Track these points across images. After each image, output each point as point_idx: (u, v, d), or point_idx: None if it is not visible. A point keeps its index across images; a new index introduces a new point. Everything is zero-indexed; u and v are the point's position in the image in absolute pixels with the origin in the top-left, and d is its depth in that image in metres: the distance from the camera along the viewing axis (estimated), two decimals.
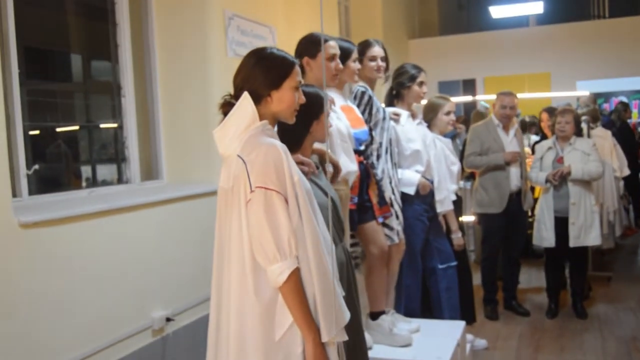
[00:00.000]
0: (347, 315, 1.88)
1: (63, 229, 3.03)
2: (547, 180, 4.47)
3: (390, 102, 3.64)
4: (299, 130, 2.12)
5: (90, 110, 4.16)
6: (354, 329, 2.23)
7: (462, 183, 5.45)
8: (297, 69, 1.91)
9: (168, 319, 3.70)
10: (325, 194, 2.19)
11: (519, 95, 7.80)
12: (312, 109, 2.07)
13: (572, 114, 4.52)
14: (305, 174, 2.08)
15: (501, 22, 9.75)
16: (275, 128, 2.19)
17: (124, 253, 3.39)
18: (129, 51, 3.95)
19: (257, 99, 1.86)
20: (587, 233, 4.39)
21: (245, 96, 1.85)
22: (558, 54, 8.79)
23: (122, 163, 4.01)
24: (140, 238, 3.59)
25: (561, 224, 4.44)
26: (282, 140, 2.19)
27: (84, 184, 3.93)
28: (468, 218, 5.62)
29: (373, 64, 3.24)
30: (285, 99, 1.87)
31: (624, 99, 11.98)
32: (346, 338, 1.89)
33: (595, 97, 6.97)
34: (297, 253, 1.74)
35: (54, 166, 3.95)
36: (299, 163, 2.10)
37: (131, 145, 3.97)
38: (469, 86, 9.17)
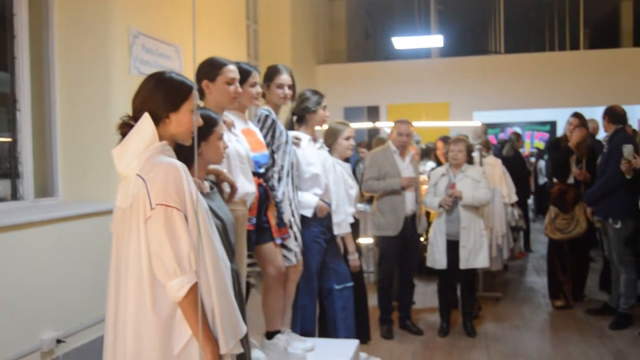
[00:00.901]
0: (243, 328, 1.96)
1: None
2: (440, 205, 4.72)
3: (291, 126, 3.73)
4: (187, 151, 2.16)
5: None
6: (243, 348, 2.28)
7: (361, 206, 5.64)
8: (195, 92, 1.97)
9: (59, 341, 3.58)
10: (217, 215, 2.23)
11: (419, 124, 8.19)
12: (200, 130, 2.12)
13: (464, 143, 4.80)
14: None
15: (406, 52, 10.19)
16: None
17: (13, 272, 3.28)
18: (26, 64, 3.85)
19: (156, 121, 1.90)
20: (476, 256, 4.65)
21: (146, 116, 1.89)
22: (457, 85, 9.28)
23: (15, 179, 3.87)
24: (31, 257, 3.48)
25: (452, 247, 4.68)
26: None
27: None
28: (366, 240, 5.81)
29: (280, 91, 3.31)
30: (183, 122, 1.93)
31: (519, 130, 12.80)
32: (242, 350, 1.96)
33: (487, 127, 7.41)
34: (196, 268, 1.79)
35: None
36: None
37: (25, 161, 3.85)
38: (372, 112, 9.47)
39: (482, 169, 4.87)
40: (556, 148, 5.51)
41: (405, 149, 4.87)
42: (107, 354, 1.93)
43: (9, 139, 3.87)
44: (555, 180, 5.52)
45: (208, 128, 2.22)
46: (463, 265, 4.63)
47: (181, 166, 1.85)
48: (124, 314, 1.85)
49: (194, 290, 1.78)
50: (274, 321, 3.16)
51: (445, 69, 9.47)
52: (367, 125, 8.82)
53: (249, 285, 3.46)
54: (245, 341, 2.32)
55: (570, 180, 5.38)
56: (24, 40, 3.83)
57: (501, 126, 14.64)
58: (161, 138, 1.90)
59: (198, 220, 1.82)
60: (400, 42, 8.32)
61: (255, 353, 3.01)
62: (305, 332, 3.59)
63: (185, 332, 1.82)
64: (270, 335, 3.14)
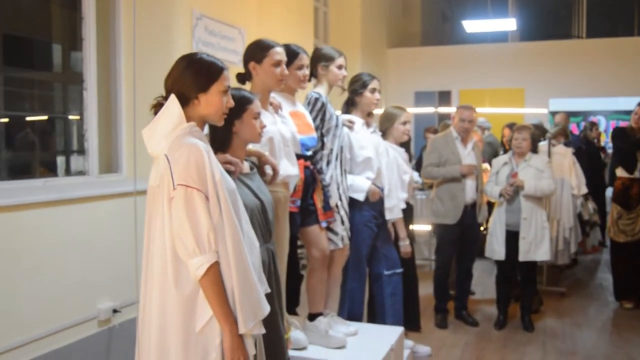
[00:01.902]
0: (266, 309, 1.96)
1: (8, 216, 3.08)
2: (500, 194, 4.57)
3: (346, 109, 3.71)
4: (223, 131, 2.19)
5: (66, 101, 4.18)
6: (273, 327, 2.30)
7: (419, 193, 5.55)
8: (226, 73, 1.98)
9: (115, 311, 3.74)
10: (255, 195, 2.25)
11: (492, 110, 7.96)
12: (232, 110, 2.14)
13: (529, 131, 4.62)
14: (231, 173, 2.16)
15: (483, 36, 9.89)
16: (207, 129, 2.28)
17: (74, 243, 3.45)
18: (93, 44, 3.99)
19: (185, 102, 1.93)
20: (536, 248, 4.48)
21: (172, 98, 1.93)
22: (533, 71, 8.92)
23: (82, 155, 4.05)
24: (93, 229, 3.64)
25: (512, 238, 4.53)
26: (212, 141, 2.27)
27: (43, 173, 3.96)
28: (422, 227, 5.72)
29: (338, 72, 3.29)
30: (212, 103, 1.95)
31: (602, 119, 12.18)
32: (263, 331, 1.98)
33: (568, 116, 7.10)
34: (216, 248, 1.82)
35: (24, 155, 4.01)
36: (226, 162, 2.17)
37: (91, 138, 4.00)
38: (444, 98, 9.28)
39: (547, 159, 4.67)
40: (622, 137, 5.18)
41: (467, 135, 4.74)
42: (138, 327, 2.00)
43: (77, 117, 4.05)
44: (618, 174, 5.19)
45: (241, 106, 2.23)
46: (522, 257, 4.48)
47: (204, 147, 1.87)
48: (151, 290, 1.91)
49: (213, 269, 1.81)
50: (317, 303, 3.16)
51: (521, 54, 9.12)
52: (429, 110, 8.62)
53: (297, 266, 3.50)
54: (277, 320, 2.35)
55: (636, 174, 5.06)
56: (91, 21, 3.97)
57: (583, 115, 13.98)
58: (190, 119, 1.93)
59: (220, 200, 1.84)
60: (472, 26, 8.07)
61: (297, 333, 3.04)
62: (353, 317, 3.58)
63: (207, 310, 1.85)
64: (312, 317, 3.15)
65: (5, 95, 3.73)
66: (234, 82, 2.61)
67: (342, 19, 8.01)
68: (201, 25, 4.52)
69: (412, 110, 8.42)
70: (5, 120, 3.73)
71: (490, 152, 6.68)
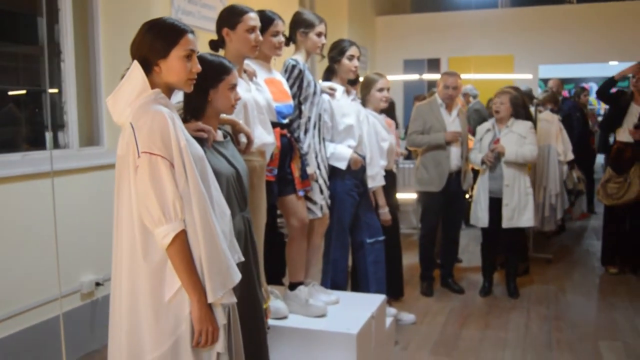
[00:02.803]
0: (236, 277, 1.93)
1: None
2: (482, 162, 4.55)
3: (327, 77, 3.65)
4: (197, 99, 2.15)
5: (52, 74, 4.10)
6: (250, 296, 2.29)
7: (402, 160, 5.52)
8: (189, 37, 1.90)
9: (98, 284, 3.74)
10: (230, 163, 2.22)
11: (482, 76, 7.90)
12: (208, 78, 2.09)
13: (507, 95, 4.57)
14: (204, 140, 2.12)
15: (475, 2, 9.76)
16: (180, 96, 2.23)
17: (56, 216, 3.41)
18: (69, 15, 3.90)
19: (148, 68, 1.88)
20: (520, 215, 4.48)
21: (135, 65, 1.87)
22: (522, 37, 8.84)
23: (61, 128, 3.99)
24: (75, 203, 3.61)
25: (495, 205, 4.53)
26: (186, 108, 2.23)
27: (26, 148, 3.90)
28: (408, 195, 5.71)
29: (317, 39, 3.22)
30: (173, 69, 1.88)
31: (594, 85, 12.11)
32: (234, 300, 1.95)
33: (561, 82, 7.05)
34: (183, 216, 1.79)
35: (3, 129, 3.95)
36: (199, 130, 2.13)
37: (70, 111, 3.95)
38: (433, 65, 9.20)
39: (530, 124, 4.61)
40: (617, 99, 5.17)
41: (452, 102, 4.70)
42: (110, 298, 1.98)
43: (55, 90, 3.98)
44: (617, 137, 5.18)
45: (218, 75, 2.18)
46: (506, 224, 4.48)
47: (168, 113, 1.82)
48: (121, 261, 1.89)
49: (180, 238, 1.78)
50: (297, 273, 3.16)
51: (510, 20, 9.03)
52: (414, 77, 8.54)
53: (282, 236, 3.49)
54: (254, 289, 2.34)
55: (624, 138, 5.05)
56: None
57: (575, 81, 13.92)
58: (155, 86, 1.88)
59: (185, 168, 1.81)
60: None
61: (276, 303, 3.04)
62: (337, 286, 3.58)
63: (176, 280, 1.82)
64: (292, 286, 3.15)
65: None
66: (206, 49, 2.57)
67: None
68: None
69: (400, 77, 8.40)
70: None
71: (478, 119, 6.61)
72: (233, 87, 2.24)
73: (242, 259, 2.07)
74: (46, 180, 3.41)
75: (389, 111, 5.99)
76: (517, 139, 4.48)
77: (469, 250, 6.02)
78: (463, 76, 7.77)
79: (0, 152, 3.45)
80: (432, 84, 9.05)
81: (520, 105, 4.63)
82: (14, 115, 4.11)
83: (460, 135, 4.65)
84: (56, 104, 3.95)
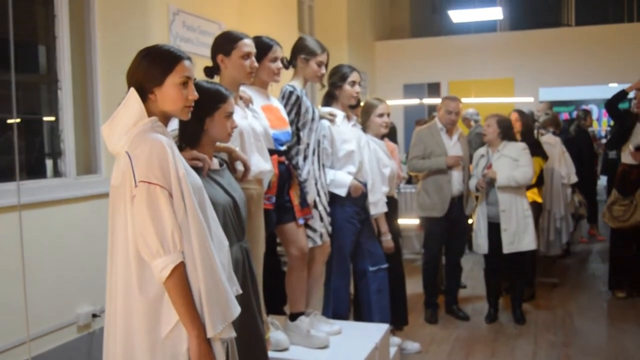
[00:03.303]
0: (236, 310, 1.86)
1: None
2: (476, 188, 4.50)
3: (327, 102, 3.61)
4: (193, 127, 2.11)
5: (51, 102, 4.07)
6: (251, 328, 2.22)
7: (402, 185, 5.46)
8: (185, 64, 1.86)
9: (95, 315, 3.65)
10: (226, 192, 2.17)
11: (482, 100, 7.88)
12: (204, 106, 2.05)
13: (494, 118, 4.53)
14: (199, 169, 2.07)
15: (472, 26, 9.79)
16: (176, 124, 2.18)
17: (51, 247, 3.35)
18: (67, 43, 3.88)
19: (143, 96, 1.83)
20: (520, 239, 4.39)
21: (131, 92, 1.83)
22: (522, 60, 8.84)
23: (58, 157, 3.95)
24: (72, 232, 3.55)
25: (495, 230, 4.45)
26: (181, 136, 2.18)
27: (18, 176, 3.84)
28: (410, 221, 5.64)
29: (317, 69, 3.15)
30: (168, 96, 1.83)
31: (594, 107, 12.09)
32: (234, 334, 1.87)
33: (550, 104, 7.02)
34: (182, 248, 1.73)
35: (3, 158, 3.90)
36: (194, 159, 2.08)
37: (67, 139, 3.90)
38: (433, 90, 9.19)
39: (522, 146, 4.53)
40: (623, 118, 5.12)
41: (453, 126, 4.66)
42: (105, 334, 1.91)
43: (51, 118, 3.94)
44: (622, 159, 5.12)
45: (214, 104, 2.15)
46: (507, 249, 4.39)
47: (167, 142, 1.77)
48: (115, 294, 1.82)
49: (178, 270, 1.71)
50: (297, 302, 3.08)
51: (510, 43, 9.03)
52: (414, 102, 8.54)
53: (282, 265, 3.42)
54: (255, 321, 2.26)
55: (629, 160, 4.99)
56: (64, 19, 3.86)
57: (576, 104, 13.91)
58: (151, 113, 1.83)
59: (184, 198, 1.75)
60: (458, 15, 7.97)
61: (277, 334, 2.96)
62: (338, 315, 3.50)
63: (173, 314, 1.75)
64: (293, 317, 3.07)
65: None
66: (202, 76, 2.53)
67: (328, 12, 7.90)
68: (178, 21, 4.42)
69: (400, 102, 8.38)
70: None
71: (480, 143, 6.57)
72: (229, 115, 2.19)
73: (240, 291, 2.00)
74: (43, 209, 3.37)
75: (390, 135, 5.97)
76: (509, 162, 4.41)
77: (473, 275, 5.93)
78: (463, 100, 7.78)
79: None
80: (432, 109, 9.04)
81: (510, 127, 4.57)
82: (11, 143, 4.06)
83: (462, 160, 4.60)
84: (54, 132, 3.91)
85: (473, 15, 8.03)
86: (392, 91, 8.99)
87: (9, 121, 3.74)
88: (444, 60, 9.09)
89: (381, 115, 3.82)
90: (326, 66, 3.22)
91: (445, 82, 9.26)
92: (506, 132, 4.50)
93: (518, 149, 4.47)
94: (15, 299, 3.12)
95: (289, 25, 6.43)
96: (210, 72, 2.65)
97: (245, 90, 2.76)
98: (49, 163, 4.03)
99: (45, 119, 3.97)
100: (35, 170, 3.93)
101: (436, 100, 8.95)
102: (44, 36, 3.89)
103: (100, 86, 4.14)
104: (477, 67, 8.94)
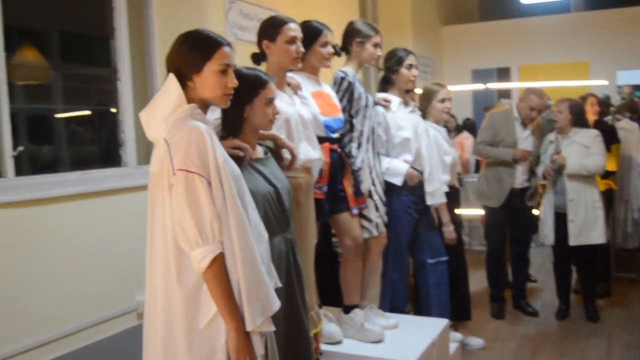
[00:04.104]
0: (275, 304, 1.80)
1: (42, 209, 3.06)
2: (543, 176, 4.25)
3: (382, 88, 3.49)
4: (233, 115, 2.04)
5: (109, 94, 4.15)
6: (294, 321, 2.14)
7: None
8: (224, 50, 1.80)
9: None
10: (269, 181, 2.09)
11: (555, 84, 7.50)
12: (242, 93, 1.98)
13: (566, 102, 4.26)
14: (241, 158, 2.00)
15: (544, 7, 9.33)
16: (218, 112, 2.13)
17: (112, 235, 3.40)
18: (125, 35, 3.91)
19: (182, 82, 1.78)
20: (589, 231, 4.12)
21: (170, 78, 1.79)
22: (598, 42, 8.33)
23: (118, 147, 4.00)
24: (132, 221, 3.59)
25: (562, 221, 4.21)
26: (223, 125, 2.12)
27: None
28: (478, 211, 5.43)
29: (373, 50, 3.05)
30: (206, 83, 1.78)
31: None
32: (273, 328, 1.83)
33: (632, 89, 6.58)
34: (221, 238, 1.68)
35: (69, 148, 4.01)
36: (235, 148, 2.02)
37: (127, 129, 3.95)
38: (503, 74, 8.82)
39: (594, 133, 4.25)
40: None
41: (524, 120, 4.41)
42: (145, 321, 1.88)
43: (113, 109, 4.00)
44: None
45: (252, 90, 2.07)
46: (573, 241, 4.13)
47: (206, 129, 1.72)
48: (155, 284, 1.80)
49: (217, 261, 1.67)
50: (352, 295, 2.99)
51: (585, 25, 8.53)
52: (479, 87, 8.22)
53: (336, 255, 3.33)
54: (299, 314, 2.19)
55: None
56: (122, 11, 3.90)
57: None
58: (190, 100, 1.78)
59: (223, 187, 1.69)
60: None
61: (330, 327, 2.88)
62: (395, 308, 3.39)
63: (212, 305, 1.71)
64: (347, 309, 2.98)
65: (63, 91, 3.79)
66: (248, 62, 2.47)
67: None
68: (235, 9, 4.39)
69: (465, 88, 8.11)
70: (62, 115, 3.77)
71: (551, 129, 6.27)
72: (270, 101, 2.11)
73: (280, 284, 1.93)
74: (104, 198, 3.42)
75: (470, 128, 5.80)
76: (580, 149, 4.15)
77: (545, 269, 5.65)
78: (535, 84, 7.45)
79: (67, 171, 3.48)
80: (501, 94, 8.70)
81: (582, 112, 4.28)
82: (79, 134, 4.16)
83: (531, 155, 4.36)
84: (116, 123, 3.97)
85: None
86: (459, 77, 8.70)
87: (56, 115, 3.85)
88: (514, 43, 8.70)
89: (443, 100, 3.65)
90: (381, 48, 3.10)
91: (516, 66, 8.88)
92: (578, 118, 4.24)
93: (590, 136, 4.21)
94: (78, 284, 3.18)
95: (350, 12, 6.29)
96: (257, 58, 2.58)
97: (293, 77, 2.68)
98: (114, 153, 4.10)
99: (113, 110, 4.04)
100: (103, 160, 4.00)
101: (505, 85, 8.64)
102: (105, 29, 3.94)
103: (159, 77, 4.16)
104: (550, 50, 8.50)
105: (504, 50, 8.79)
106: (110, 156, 3.97)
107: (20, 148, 3.21)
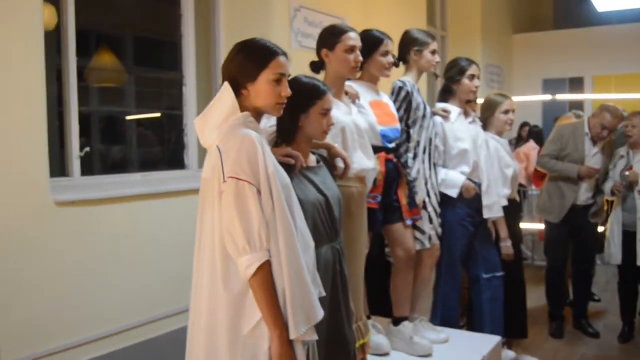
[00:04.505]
0: (319, 313, 1.81)
1: (104, 208, 3.16)
2: (612, 192, 4.08)
3: (443, 98, 3.45)
4: (288, 123, 2.07)
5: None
6: (336, 331, 2.14)
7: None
8: (280, 60, 1.83)
9: None
10: (319, 190, 2.11)
11: (631, 96, 7.18)
12: (299, 102, 2.00)
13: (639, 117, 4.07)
14: (292, 167, 2.03)
15: (622, 15, 8.95)
16: (274, 119, 2.16)
17: (167, 237, 3.48)
18: (192, 41, 4.02)
19: (237, 91, 1.82)
20: None
21: (225, 87, 1.82)
22: None
23: (182, 149, 4.12)
24: (188, 223, 3.67)
25: (630, 240, 4.04)
26: (278, 132, 2.15)
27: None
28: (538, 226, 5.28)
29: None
30: (261, 93, 1.81)
31: None
32: (316, 337, 1.83)
33: None
34: (268, 246, 1.70)
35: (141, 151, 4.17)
36: (287, 156, 2.04)
37: (190, 133, 4.06)
38: (576, 85, 8.53)
39: None
40: None
41: (595, 137, 4.26)
42: (190, 324, 1.93)
43: (179, 112, 4.12)
44: None
45: (309, 100, 2.09)
46: None
47: (257, 138, 1.75)
48: (201, 289, 1.83)
49: (264, 269, 1.69)
50: (402, 307, 2.96)
51: None
52: (545, 97, 7.95)
53: (389, 265, 3.31)
54: (342, 325, 2.18)
55: None
56: (190, 18, 4.00)
57: None
58: (244, 109, 1.81)
59: (273, 195, 1.72)
60: (604, 4, 7.30)
61: (379, 338, 2.87)
62: (447, 322, 3.34)
63: (257, 312, 1.73)
64: (396, 321, 2.96)
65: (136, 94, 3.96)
66: (307, 71, 2.49)
67: (461, 4, 7.59)
68: (300, 17, 4.45)
69: (531, 99, 7.90)
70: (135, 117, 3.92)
71: (623, 144, 6.02)
72: (326, 112, 2.12)
73: (324, 293, 1.94)
74: (165, 200, 3.51)
75: (537, 137, 5.62)
76: None
77: (610, 289, 5.42)
78: (609, 96, 7.16)
79: (135, 172, 3.61)
80: (573, 105, 8.40)
81: None
82: (144, 137, 4.31)
83: (598, 173, 4.20)
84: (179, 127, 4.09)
85: (620, 3, 7.31)
86: (530, 86, 8.50)
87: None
88: (588, 53, 8.40)
89: (506, 112, 3.57)
90: (438, 55, 3.11)
91: (590, 76, 8.57)
92: None
93: None
94: (136, 284, 3.29)
95: (418, 19, 6.25)
96: (316, 67, 2.61)
97: (352, 86, 2.69)
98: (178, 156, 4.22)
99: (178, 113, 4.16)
100: (171, 162, 4.12)
101: (576, 97, 8.34)
102: (174, 35, 4.06)
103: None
104: (625, 60, 8.15)
105: (578, 60, 8.51)
106: (174, 159, 4.09)
107: (87, 149, 3.34)
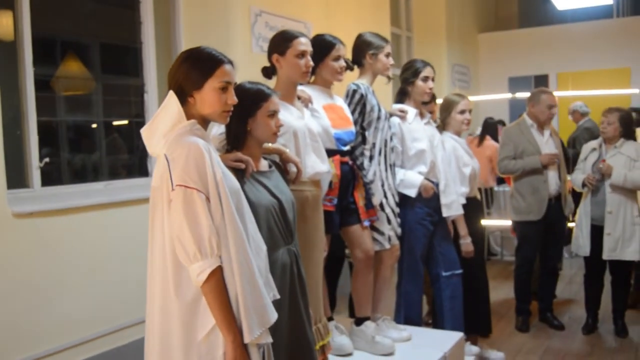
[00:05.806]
0: (273, 316, 1.83)
1: (64, 219, 3.15)
2: (583, 184, 4.15)
3: (399, 99, 3.49)
4: (236, 128, 2.09)
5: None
6: (297, 333, 2.17)
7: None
8: (225, 68, 1.84)
9: None
10: (272, 194, 2.13)
11: (595, 92, 7.33)
12: (245, 107, 2.03)
13: (616, 114, 4.14)
14: (243, 171, 2.05)
15: (583, 13, 9.12)
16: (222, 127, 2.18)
17: (130, 245, 3.47)
18: (152, 48, 4.02)
19: (183, 99, 1.83)
20: (624, 246, 4.00)
21: (170, 95, 1.83)
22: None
23: (145, 157, 4.11)
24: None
25: (598, 233, 4.10)
26: (227, 138, 2.17)
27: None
28: (498, 222, 5.35)
29: (386, 60, 3.09)
30: (207, 101, 1.82)
31: None
32: (270, 340, 1.85)
33: None
34: (219, 252, 1.72)
35: (104, 158, 4.14)
36: (237, 161, 2.06)
37: None
38: (540, 82, 8.65)
39: None
40: None
41: (547, 123, 4.34)
42: (146, 332, 1.93)
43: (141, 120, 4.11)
44: None
45: (255, 104, 2.12)
46: (607, 255, 4.03)
47: (204, 145, 1.76)
48: (153, 297, 1.84)
49: (216, 274, 1.70)
50: (363, 307, 2.99)
51: (626, 30, 8.30)
52: (505, 96, 8.07)
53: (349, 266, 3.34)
54: (302, 326, 2.20)
55: None
56: (149, 26, 4.00)
57: None
58: (190, 117, 1.82)
59: (222, 202, 1.73)
60: (563, 3, 7.42)
61: (341, 339, 2.89)
62: (410, 321, 3.38)
63: (210, 318, 1.74)
64: (358, 321, 2.99)
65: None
66: (258, 77, 2.52)
67: (425, 5, 7.67)
68: (261, 21, 4.46)
69: (492, 97, 8.02)
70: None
71: (589, 138, 6.10)
72: (273, 113, 2.15)
73: (278, 296, 1.96)
74: (126, 208, 3.51)
75: (493, 132, 5.69)
76: (625, 161, 4.03)
77: (576, 281, 5.53)
78: (574, 93, 7.28)
79: (104, 180, 3.63)
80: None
81: (631, 123, 4.17)
82: (112, 145, 4.28)
83: (557, 157, 4.28)
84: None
85: (578, 1, 7.43)
86: (496, 85, 8.62)
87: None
88: (552, 51, 8.55)
89: (462, 112, 3.63)
90: (392, 57, 3.15)
91: (554, 73, 8.71)
92: (627, 129, 4.14)
93: (638, 149, 4.09)
94: (99, 294, 3.28)
95: (381, 21, 6.29)
96: (267, 72, 2.63)
97: (304, 90, 2.72)
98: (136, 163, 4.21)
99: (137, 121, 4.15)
100: (141, 170, 4.10)
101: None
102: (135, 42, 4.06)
103: None
104: (589, 57, 8.31)
105: (542, 58, 8.66)
106: (142, 166, 4.08)
107: (46, 159, 3.32)
